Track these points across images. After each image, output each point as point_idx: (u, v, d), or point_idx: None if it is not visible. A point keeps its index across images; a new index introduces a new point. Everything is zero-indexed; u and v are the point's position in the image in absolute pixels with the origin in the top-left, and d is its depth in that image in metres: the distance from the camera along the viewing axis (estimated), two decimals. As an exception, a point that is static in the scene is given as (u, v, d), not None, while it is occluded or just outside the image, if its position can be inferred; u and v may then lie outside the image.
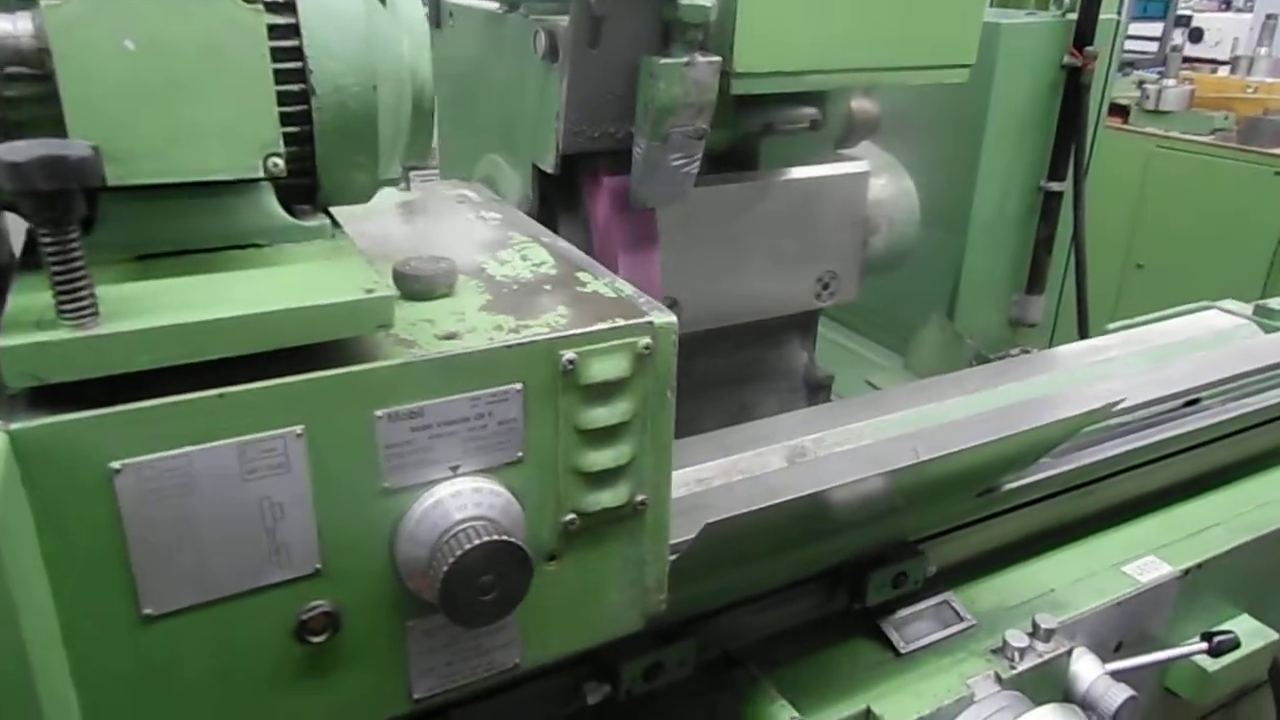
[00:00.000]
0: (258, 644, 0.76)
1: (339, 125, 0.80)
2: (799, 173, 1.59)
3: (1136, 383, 1.60)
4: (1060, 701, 1.24)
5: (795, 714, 1.12)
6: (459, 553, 0.76)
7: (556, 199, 1.48)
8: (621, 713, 1.16)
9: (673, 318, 0.89)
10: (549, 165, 1.36)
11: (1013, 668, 1.23)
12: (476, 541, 0.76)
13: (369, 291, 0.74)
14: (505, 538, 0.78)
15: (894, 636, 1.30)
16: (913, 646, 1.29)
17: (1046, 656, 1.25)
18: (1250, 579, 1.57)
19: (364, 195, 0.89)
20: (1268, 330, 1.89)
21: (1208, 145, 4.28)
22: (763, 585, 1.27)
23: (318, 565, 0.77)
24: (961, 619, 1.34)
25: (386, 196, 1.23)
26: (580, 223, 1.47)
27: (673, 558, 0.98)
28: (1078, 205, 2.28)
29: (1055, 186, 2.25)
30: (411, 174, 1.50)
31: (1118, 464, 1.53)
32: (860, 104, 1.64)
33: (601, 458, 0.88)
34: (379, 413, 0.76)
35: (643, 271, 1.39)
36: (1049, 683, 1.26)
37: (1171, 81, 4.47)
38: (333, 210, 0.94)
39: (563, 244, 1.09)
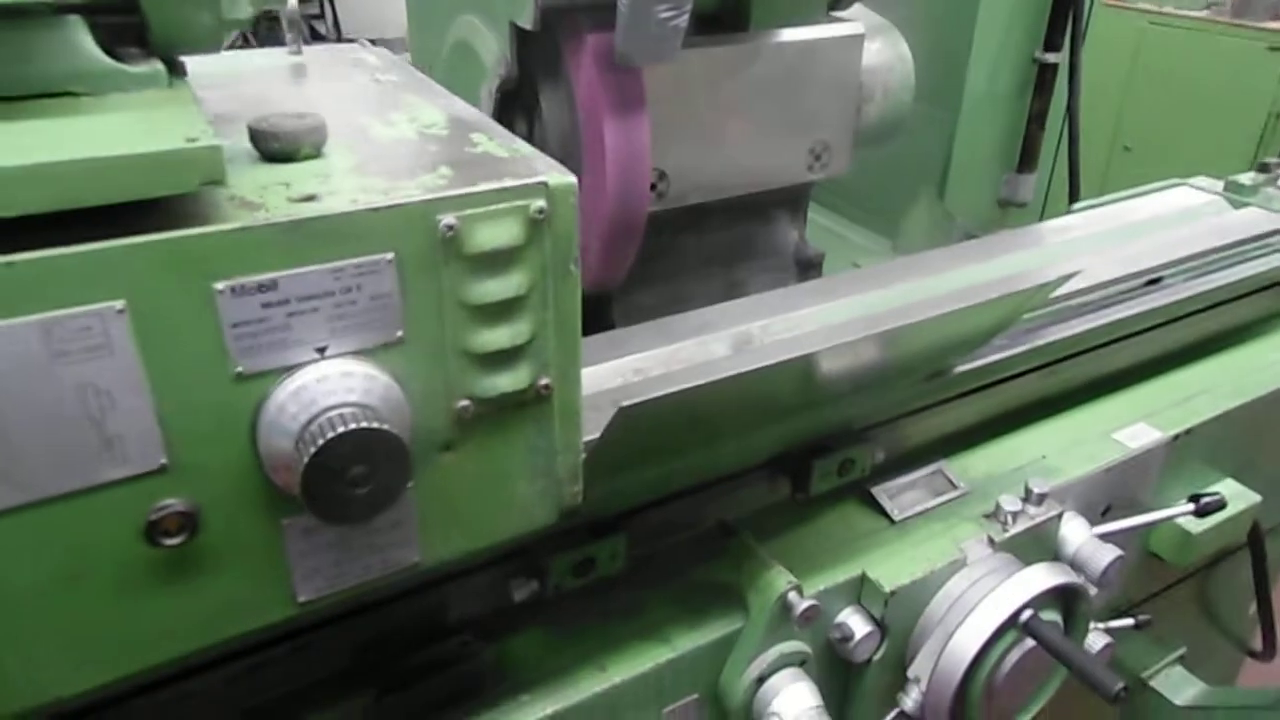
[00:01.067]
0: (102, 548, 0.68)
1: (159, -53, 0.68)
2: (791, 34, 1.48)
3: (1096, 262, 1.54)
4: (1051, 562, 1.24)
5: (792, 579, 1.10)
6: (321, 442, 0.67)
7: (537, 62, 1.36)
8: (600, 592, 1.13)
9: (571, 178, 0.78)
10: (527, 21, 1.25)
11: (1005, 531, 1.24)
12: (341, 429, 0.68)
13: (191, 140, 0.62)
14: (376, 425, 0.69)
15: (888, 505, 1.30)
16: (907, 514, 1.30)
17: (1038, 520, 1.26)
18: (1235, 444, 1.58)
19: (208, 39, 0.76)
20: (1236, 206, 1.83)
21: (1201, 21, 4.12)
22: (700, 476, 1.20)
23: (163, 460, 0.68)
24: (955, 487, 1.35)
25: (270, 59, 1.10)
26: (563, 88, 1.36)
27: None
28: (1073, 77, 2.17)
29: (1051, 58, 2.13)
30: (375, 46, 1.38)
31: (1093, 339, 1.50)
32: None
33: (496, 337, 0.78)
34: (219, 285, 0.66)
35: (630, 136, 1.29)
36: (1039, 546, 1.28)
37: (1167, -46, 4.24)
38: (203, 71, 0.82)
39: (463, 105, 0.97)
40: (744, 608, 1.13)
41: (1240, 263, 1.66)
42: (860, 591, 1.18)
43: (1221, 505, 1.44)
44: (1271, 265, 1.67)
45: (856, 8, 1.61)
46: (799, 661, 1.14)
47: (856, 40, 1.54)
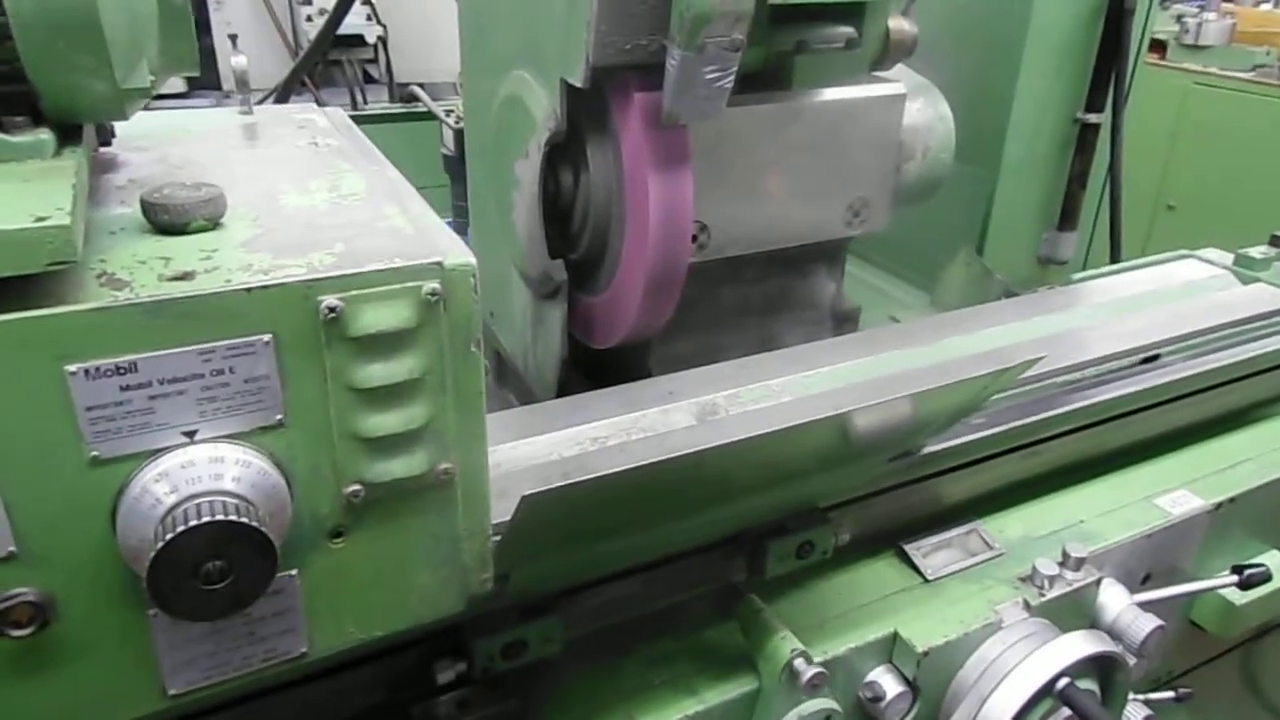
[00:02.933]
0: (-56, 637, 0.65)
1: (42, 17, 0.66)
2: (833, 94, 1.49)
3: (1092, 337, 1.51)
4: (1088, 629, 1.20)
5: (798, 645, 1.07)
6: (170, 536, 0.64)
7: (585, 118, 1.39)
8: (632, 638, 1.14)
9: (471, 259, 0.75)
10: (578, 79, 1.27)
11: (1041, 595, 1.21)
12: (194, 522, 0.64)
13: (39, 220, 0.60)
14: (233, 518, 0.65)
15: (921, 563, 1.29)
16: (940, 573, 1.28)
17: (1075, 585, 1.23)
18: None
19: (108, 108, 0.75)
20: (1245, 281, 1.75)
21: (1247, 82, 4.01)
22: (641, 558, 1.14)
23: (10, 548, 0.65)
24: (990, 548, 1.33)
25: (219, 119, 1.10)
26: (610, 142, 1.37)
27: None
28: (1115, 138, 2.15)
29: (1093, 118, 2.10)
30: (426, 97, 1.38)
31: (1126, 405, 1.46)
32: (897, 24, 1.52)
33: (386, 421, 0.75)
34: (71, 368, 0.63)
35: (674, 191, 1.30)
36: (1076, 612, 1.25)
37: (1212, 15, 4.19)
38: (142, 130, 0.80)
39: (394, 174, 0.94)
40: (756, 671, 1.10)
41: (1254, 340, 1.58)
42: (892, 651, 1.16)
43: (1267, 578, 1.38)
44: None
45: (898, 68, 1.61)
46: (825, 719, 1.10)
47: (898, 100, 1.55)
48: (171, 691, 0.75)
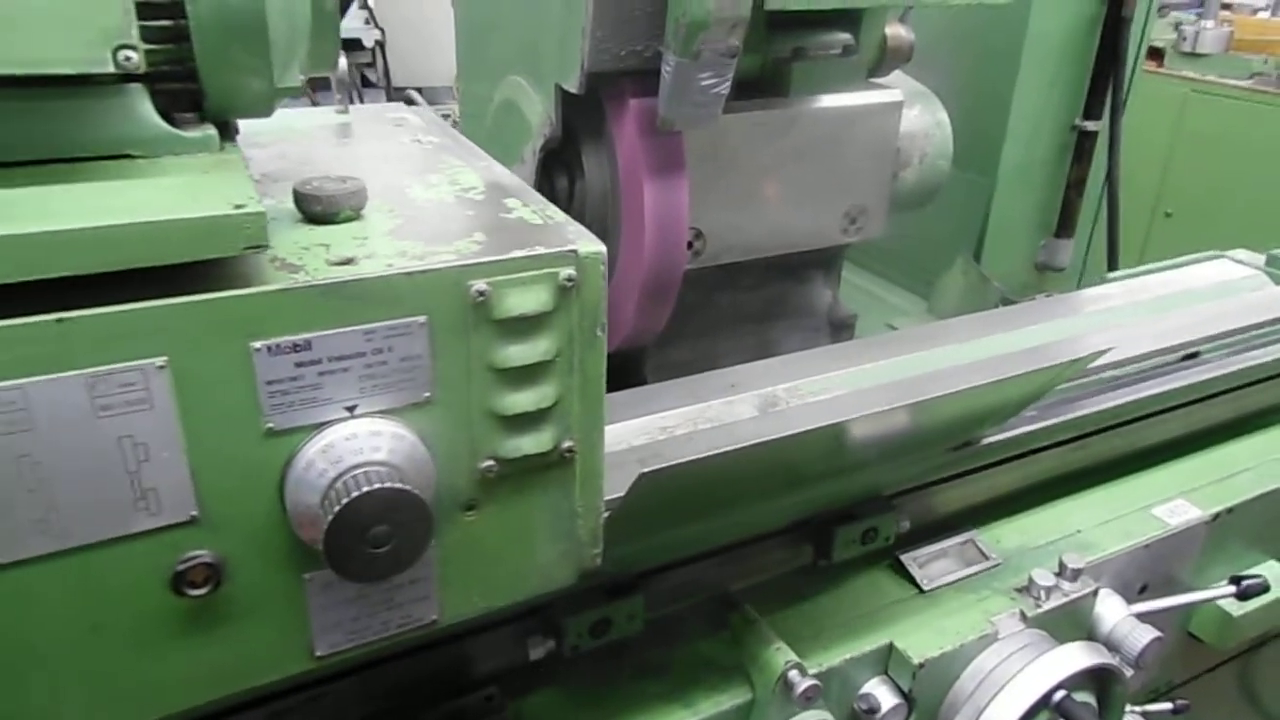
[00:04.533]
0: (130, 597, 0.70)
1: (218, 21, 0.71)
2: (830, 101, 1.51)
3: (1134, 334, 1.52)
4: (1085, 640, 1.21)
5: (792, 657, 1.08)
6: (345, 500, 0.69)
7: (581, 124, 1.41)
8: (632, 650, 1.14)
9: (601, 247, 0.80)
10: (573, 85, 1.29)
11: (1038, 606, 1.21)
12: (366, 488, 0.69)
13: (238, 207, 0.65)
14: (400, 485, 0.70)
15: (917, 573, 1.28)
16: (936, 584, 1.27)
17: (1072, 596, 1.23)
18: (1278, 525, 1.53)
19: (261, 106, 0.80)
20: (1278, 281, 1.80)
21: (1245, 90, 4.09)
22: (719, 540, 1.19)
23: (194, 512, 0.70)
24: (986, 558, 1.32)
25: (318, 117, 1.14)
26: (605, 148, 1.40)
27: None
28: (1113, 145, 2.19)
29: (1090, 126, 2.15)
30: (423, 101, 1.42)
31: (1125, 413, 1.47)
32: (895, 30, 1.55)
33: (521, 400, 0.80)
34: (256, 345, 0.68)
35: (669, 198, 1.32)
36: (1073, 623, 1.25)
37: (1210, 23, 4.25)
38: (254, 129, 0.85)
39: (500, 169, 1.00)
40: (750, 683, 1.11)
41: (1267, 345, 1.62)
42: (888, 662, 1.16)
43: (1265, 589, 1.39)
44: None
45: (896, 75, 1.63)
46: None
47: (895, 107, 1.56)
48: (318, 653, 0.80)
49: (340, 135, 1.09)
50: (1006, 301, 1.99)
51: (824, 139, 1.51)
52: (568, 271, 0.78)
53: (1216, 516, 1.43)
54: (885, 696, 1.13)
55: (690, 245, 1.42)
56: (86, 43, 0.65)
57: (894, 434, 1.06)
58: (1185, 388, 1.51)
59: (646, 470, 0.84)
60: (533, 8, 1.37)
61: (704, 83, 1.20)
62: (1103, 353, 1.08)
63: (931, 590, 1.26)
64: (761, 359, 1.43)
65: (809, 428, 0.88)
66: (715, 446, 0.87)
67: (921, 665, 1.12)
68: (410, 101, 1.43)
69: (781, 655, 1.08)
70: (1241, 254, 1.88)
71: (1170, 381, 1.50)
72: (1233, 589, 1.38)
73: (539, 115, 1.40)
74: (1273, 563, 1.54)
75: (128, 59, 0.66)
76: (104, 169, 0.71)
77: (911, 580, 1.27)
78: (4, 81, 0.64)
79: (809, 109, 1.49)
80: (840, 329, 1.76)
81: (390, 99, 5.04)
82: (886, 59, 1.56)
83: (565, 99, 1.34)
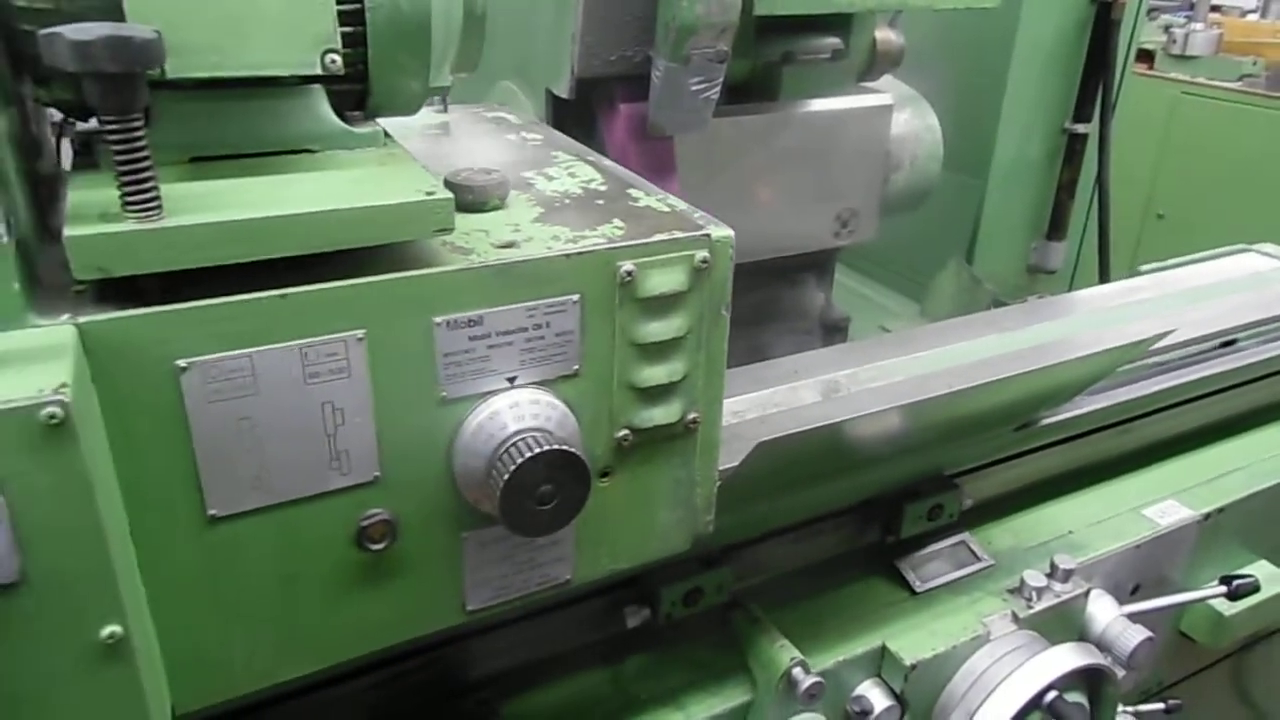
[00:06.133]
0: (321, 550, 0.76)
1: (392, 26, 0.78)
2: (820, 105, 1.55)
3: (1171, 322, 1.58)
4: (1077, 641, 1.24)
5: (797, 654, 1.10)
6: (519, 461, 0.75)
7: (571, 128, 1.42)
8: (654, 638, 1.17)
9: (729, 231, 0.87)
10: (563, 90, 1.32)
11: (1029, 607, 1.22)
12: (537, 450, 0.76)
13: (429, 194, 0.72)
14: (565, 447, 0.77)
15: (910, 576, 1.29)
16: (929, 585, 1.29)
17: (1064, 597, 1.24)
18: (1270, 525, 1.56)
19: (413, 104, 0.87)
20: None
21: (1235, 91, 4.19)
22: (800, 515, 1.27)
23: (377, 473, 0.76)
24: (978, 559, 1.33)
25: (421, 118, 1.21)
26: (596, 153, 1.44)
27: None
28: (1103, 148, 2.22)
29: (1080, 128, 2.19)
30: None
31: (1145, 405, 1.51)
32: (884, 35, 1.59)
33: (656, 373, 0.87)
34: (438, 320, 0.75)
35: None
36: (1065, 623, 1.26)
37: (1199, 25, 4.35)
38: None
39: (609, 163, 1.07)
40: (752, 682, 1.13)
41: (1269, 341, 1.65)
42: (880, 664, 1.17)
43: (1255, 588, 1.40)
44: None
45: (886, 79, 1.66)
46: None
47: (885, 111, 1.59)
48: (470, 607, 0.87)
49: (449, 133, 1.15)
50: (999, 303, 2.00)
51: (814, 143, 1.53)
52: (702, 254, 0.85)
53: (1208, 516, 1.44)
54: (878, 699, 1.15)
55: (682, 249, 1.47)
56: (304, 48, 0.71)
57: (970, 412, 1.14)
58: (1180, 386, 1.53)
59: (764, 440, 0.92)
60: (524, 14, 1.40)
61: (694, 87, 1.23)
62: (1167, 334, 1.16)
63: (924, 592, 1.27)
64: (754, 363, 1.44)
65: (910, 400, 0.96)
66: (811, 421, 0.95)
67: (914, 667, 1.13)
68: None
69: (786, 652, 1.10)
70: (1269, 247, 1.92)
71: (1164, 381, 1.52)
72: (1223, 589, 1.39)
73: (528, 118, 1.42)
74: (1264, 562, 1.55)
75: (332, 61, 0.73)
76: (291, 163, 0.78)
77: (904, 583, 1.29)
78: (230, 83, 0.71)
79: (799, 113, 1.52)
80: (833, 331, 1.78)
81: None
82: (877, 63, 1.59)
83: (556, 104, 1.36)
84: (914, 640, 1.16)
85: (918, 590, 1.28)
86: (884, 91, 1.63)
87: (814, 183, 1.58)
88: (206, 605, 0.73)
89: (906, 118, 1.70)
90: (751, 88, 1.50)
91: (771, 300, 1.72)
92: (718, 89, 1.24)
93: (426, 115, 1.22)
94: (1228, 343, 1.58)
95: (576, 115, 1.40)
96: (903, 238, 1.80)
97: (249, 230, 0.65)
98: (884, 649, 1.16)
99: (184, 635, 0.72)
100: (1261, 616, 1.50)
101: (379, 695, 1.06)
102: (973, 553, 1.35)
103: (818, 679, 1.09)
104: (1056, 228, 2.30)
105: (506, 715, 1.10)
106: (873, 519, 1.34)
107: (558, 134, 1.19)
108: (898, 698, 1.15)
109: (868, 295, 2.39)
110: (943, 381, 1.26)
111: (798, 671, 1.09)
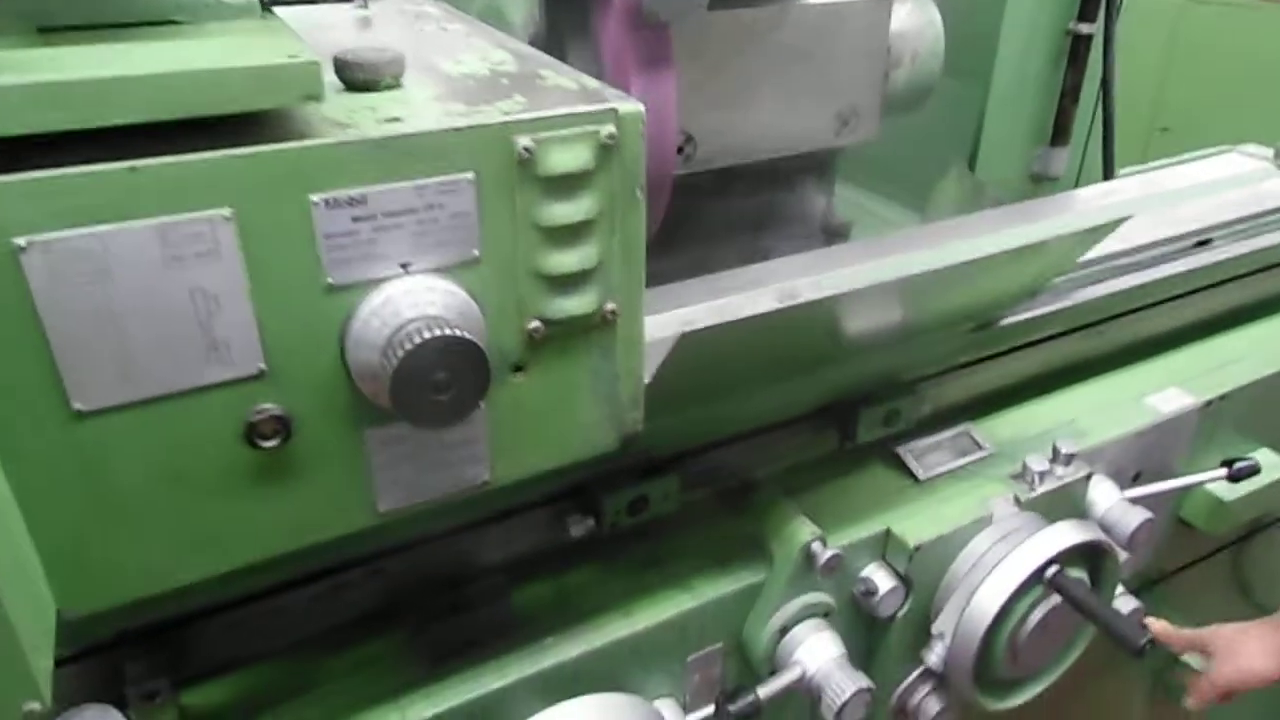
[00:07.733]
0: (206, 447, 0.73)
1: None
2: None
3: (1148, 221, 1.53)
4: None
5: (816, 529, 1.10)
6: (408, 347, 0.71)
7: (565, 22, 1.39)
8: (629, 541, 1.16)
9: (640, 107, 0.82)
10: None
11: (1032, 491, 1.23)
12: (428, 335, 0.72)
13: (291, 57, 0.67)
14: (458, 332, 0.73)
15: (913, 464, 1.31)
16: (932, 473, 1.30)
17: (1066, 480, 1.24)
18: (1272, 413, 1.55)
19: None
20: None
21: (1241, -1, 4.03)
22: (750, 422, 1.23)
23: (262, 366, 0.72)
24: (981, 448, 1.35)
25: (339, 13, 1.15)
26: (590, 46, 1.37)
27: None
28: (1107, 49, 2.15)
29: (1085, 29, 2.11)
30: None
31: (1132, 300, 1.49)
32: None
33: (566, 260, 0.82)
34: (315, 198, 0.70)
35: (657, 94, 1.29)
36: (1067, 507, 1.26)
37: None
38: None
39: (529, 49, 1.01)
40: (768, 559, 1.14)
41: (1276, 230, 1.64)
42: (885, 547, 1.19)
43: (1255, 470, 1.40)
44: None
45: None
46: (823, 613, 1.16)
47: (885, 4, 1.53)
48: (382, 508, 0.84)
49: (364, 26, 1.09)
50: (1000, 210, 2.00)
51: (814, 37, 1.48)
52: (609, 129, 0.80)
53: (1209, 404, 1.44)
54: (883, 579, 1.17)
55: (680, 150, 1.41)
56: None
57: (918, 303, 1.09)
58: (1183, 275, 1.53)
59: (688, 330, 0.87)
60: None
61: None
62: (1124, 220, 1.11)
63: (927, 480, 1.29)
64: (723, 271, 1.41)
65: (845, 289, 0.91)
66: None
67: (918, 548, 1.15)
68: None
69: (806, 528, 1.12)
70: (1251, 148, 1.89)
71: (1165, 270, 1.52)
72: (1224, 471, 1.39)
73: (522, 14, 1.38)
74: (1266, 450, 1.55)
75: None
76: (152, 33, 0.72)
77: (908, 472, 1.30)
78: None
79: (798, 6, 1.45)
80: (834, 236, 1.75)
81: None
82: (876, -45, 1.50)
83: None
84: (917, 524, 1.18)
85: (921, 478, 1.29)
86: (885, -17, 1.55)
87: (813, 79, 1.52)
88: (85, 504, 0.70)
89: (908, 12, 1.63)
90: (748, -21, 1.43)
91: (772, 205, 1.68)
92: None
93: (347, 11, 1.16)
94: (1203, 242, 1.53)
95: (570, 9, 1.35)
96: (904, 145, 1.74)
97: (80, 92, 0.60)
98: (888, 532, 1.18)
99: (62, 534, 0.70)
100: (1261, 503, 1.50)
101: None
102: (975, 441, 1.36)
103: (836, 551, 1.10)
104: (1060, 134, 2.24)
105: (515, 600, 1.11)
106: (828, 426, 1.30)
107: (481, 25, 1.12)
108: (902, 578, 1.17)
109: (870, 207, 2.31)
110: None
111: (816, 545, 1.10)
